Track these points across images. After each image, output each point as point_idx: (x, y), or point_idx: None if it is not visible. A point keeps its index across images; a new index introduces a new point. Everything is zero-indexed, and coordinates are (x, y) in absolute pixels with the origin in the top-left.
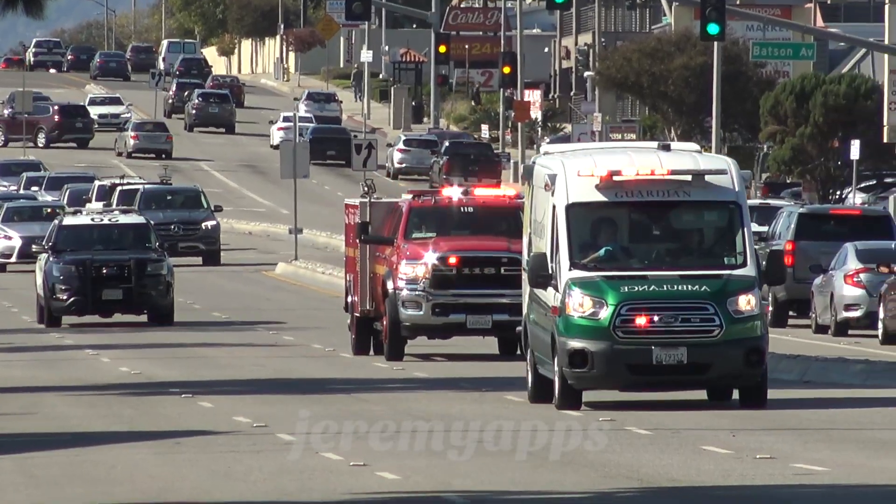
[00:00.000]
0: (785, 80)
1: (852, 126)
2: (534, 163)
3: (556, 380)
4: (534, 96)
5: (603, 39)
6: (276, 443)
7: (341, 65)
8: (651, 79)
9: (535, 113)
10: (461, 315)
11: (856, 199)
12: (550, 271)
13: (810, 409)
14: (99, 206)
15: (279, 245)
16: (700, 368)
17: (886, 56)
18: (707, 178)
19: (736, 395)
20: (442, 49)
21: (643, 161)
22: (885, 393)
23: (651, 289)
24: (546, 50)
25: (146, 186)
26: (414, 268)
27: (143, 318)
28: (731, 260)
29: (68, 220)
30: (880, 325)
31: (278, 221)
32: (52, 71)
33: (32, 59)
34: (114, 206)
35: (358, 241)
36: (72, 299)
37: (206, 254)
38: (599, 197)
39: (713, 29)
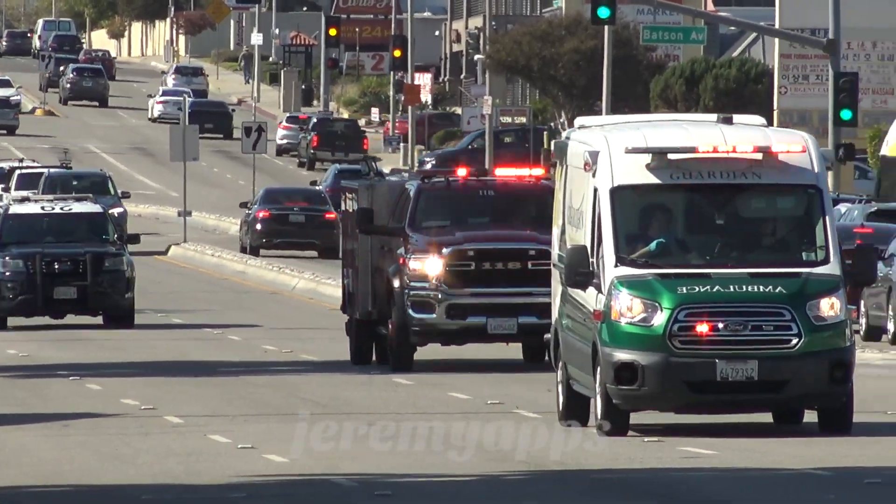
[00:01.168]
0: (675, 63)
1: (742, 110)
2: (567, 138)
3: (598, 399)
4: (424, 80)
5: (493, 23)
6: (163, 425)
7: (231, 47)
8: (541, 62)
9: (426, 96)
10: (481, 318)
11: None
12: (592, 268)
13: None
14: None
15: (168, 227)
16: (774, 386)
17: (777, 40)
18: (781, 156)
19: (810, 416)
20: (332, 32)
21: (704, 136)
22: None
23: (715, 290)
24: (437, 33)
25: (50, 171)
26: (425, 263)
27: (99, 319)
28: (810, 255)
29: (15, 209)
30: None
31: (167, 204)
32: None
33: None
34: (12, 191)
35: (358, 230)
36: (20, 298)
37: None
38: (651, 178)
39: (604, 12)
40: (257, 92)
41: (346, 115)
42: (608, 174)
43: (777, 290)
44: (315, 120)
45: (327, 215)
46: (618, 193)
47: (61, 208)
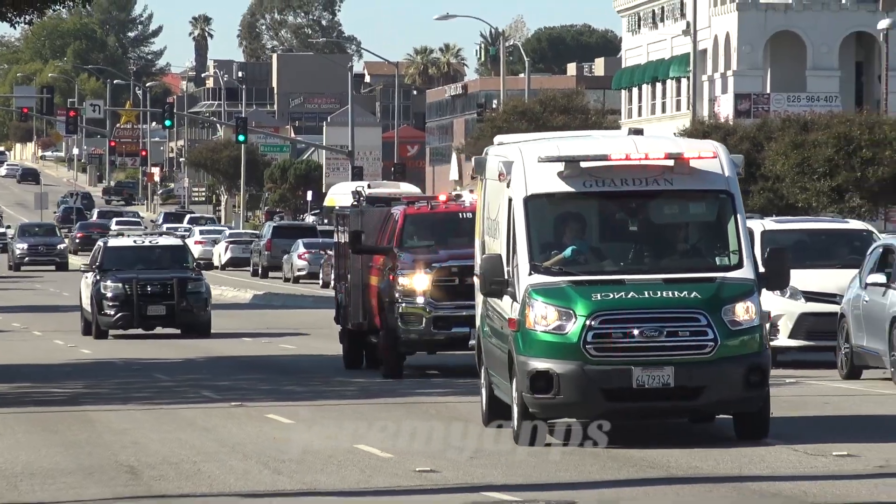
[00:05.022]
0: (275, 161)
1: (311, 184)
2: (486, 153)
3: (515, 407)
4: (156, 170)
5: (189, 142)
6: (34, 337)
7: (63, 154)
8: (212, 161)
9: (157, 178)
10: (465, 328)
11: (309, 217)
12: (507, 276)
13: None
14: None
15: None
16: (691, 393)
17: (324, 151)
18: (692, 163)
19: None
20: (112, 144)
21: (615, 145)
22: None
23: (629, 296)
24: (162, 148)
25: (21, 222)
26: (412, 279)
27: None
28: (724, 260)
29: (112, 242)
30: None
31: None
32: None
33: None
34: None
35: (351, 250)
36: (119, 315)
37: None
38: (564, 187)
39: (242, 138)
40: (76, 177)
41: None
42: (522, 183)
43: (692, 296)
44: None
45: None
46: (531, 202)
47: (150, 242)
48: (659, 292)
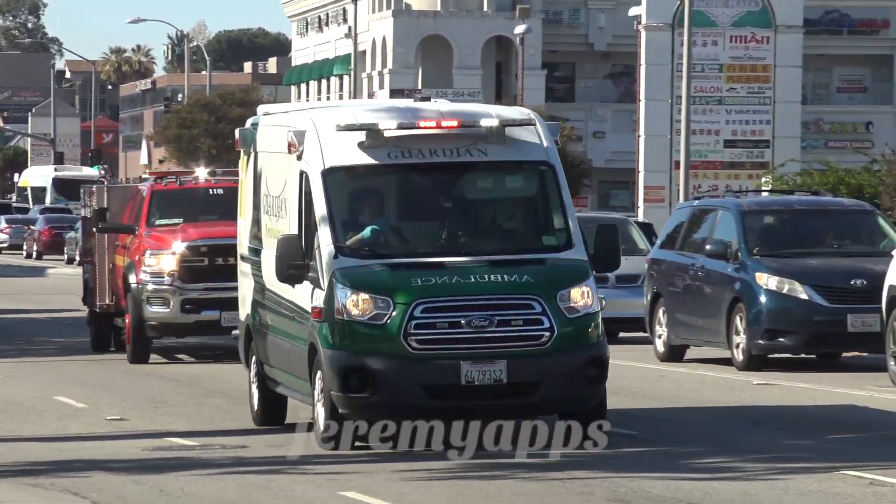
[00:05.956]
0: None
1: (17, 167)
2: (254, 124)
3: (321, 409)
4: None
5: None
6: None
7: None
8: None
9: None
10: (215, 312)
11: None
12: (305, 260)
13: None
14: None
15: None
16: (526, 389)
17: (30, 139)
18: (508, 130)
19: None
20: None
21: (423, 111)
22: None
23: (454, 281)
24: None
25: None
26: (159, 259)
27: None
28: (551, 239)
29: None
30: None
31: None
32: None
33: None
34: None
35: (94, 229)
36: None
37: None
38: (366, 159)
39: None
40: None
41: None
42: (318, 155)
43: (524, 279)
44: None
45: None
46: (330, 176)
47: None
48: (486, 276)
